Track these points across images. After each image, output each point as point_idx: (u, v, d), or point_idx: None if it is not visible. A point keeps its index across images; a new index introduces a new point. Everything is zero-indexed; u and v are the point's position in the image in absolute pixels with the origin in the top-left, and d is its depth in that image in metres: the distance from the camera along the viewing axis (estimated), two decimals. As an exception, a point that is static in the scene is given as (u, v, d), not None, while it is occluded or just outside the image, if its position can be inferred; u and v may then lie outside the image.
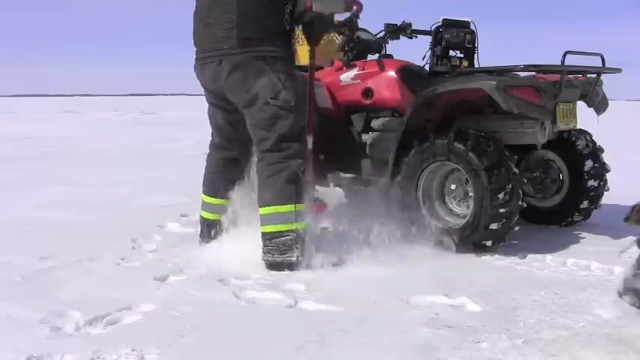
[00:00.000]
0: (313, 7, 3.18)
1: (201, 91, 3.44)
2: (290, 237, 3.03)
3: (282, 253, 3.02)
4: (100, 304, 2.51)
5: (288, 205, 3.05)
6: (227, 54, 3.09)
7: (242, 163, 3.51)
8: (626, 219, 2.43)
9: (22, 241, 3.57)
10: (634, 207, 2.41)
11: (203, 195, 3.51)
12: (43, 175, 6.41)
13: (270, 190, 3.07)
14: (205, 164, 3.53)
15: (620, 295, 2.41)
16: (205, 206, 3.51)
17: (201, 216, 3.54)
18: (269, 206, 3.07)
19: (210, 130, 3.52)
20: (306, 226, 3.11)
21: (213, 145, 3.51)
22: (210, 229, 3.48)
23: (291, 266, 3.01)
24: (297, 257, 3.02)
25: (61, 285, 2.78)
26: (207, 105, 3.46)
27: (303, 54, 3.70)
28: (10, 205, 4.70)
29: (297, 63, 3.52)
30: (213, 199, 3.47)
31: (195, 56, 3.29)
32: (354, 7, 3.60)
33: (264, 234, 3.07)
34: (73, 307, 2.47)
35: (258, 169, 3.16)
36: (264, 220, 3.08)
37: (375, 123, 3.81)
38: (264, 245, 3.07)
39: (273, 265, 3.04)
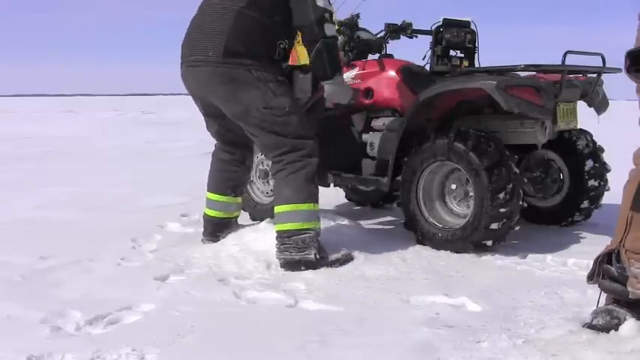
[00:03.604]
0: (325, 93, 3.33)
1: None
2: (309, 235, 3.03)
3: (300, 250, 3.02)
4: (100, 304, 2.51)
5: (307, 204, 3.06)
6: (212, 62, 3.06)
7: (247, 162, 3.52)
8: (590, 277, 2.28)
9: (22, 241, 3.57)
10: (596, 261, 2.26)
11: (208, 192, 3.51)
12: (43, 175, 6.41)
13: (290, 188, 3.07)
14: (211, 161, 3.53)
15: (590, 323, 2.22)
16: (210, 204, 3.50)
17: (205, 213, 3.53)
18: (288, 204, 3.06)
19: None
20: (320, 226, 3.11)
21: (216, 145, 3.51)
22: (213, 227, 3.48)
23: (308, 265, 3.00)
24: (315, 255, 3.02)
25: (61, 285, 2.78)
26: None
27: (302, 54, 3.69)
28: (10, 205, 4.70)
29: (297, 63, 3.52)
30: (218, 196, 3.47)
31: (180, 61, 3.25)
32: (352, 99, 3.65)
33: (281, 232, 3.06)
34: (73, 306, 2.47)
35: (275, 169, 3.15)
36: (283, 217, 3.08)
37: (376, 123, 3.80)
38: (281, 243, 3.05)
39: (290, 264, 3.02)
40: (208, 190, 3.51)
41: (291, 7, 3.11)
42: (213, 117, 3.35)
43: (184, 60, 3.22)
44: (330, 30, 3.13)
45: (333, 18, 3.23)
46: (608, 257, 2.23)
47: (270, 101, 3.06)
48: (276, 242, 3.08)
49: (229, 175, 3.46)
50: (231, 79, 3.06)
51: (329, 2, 3.17)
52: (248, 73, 3.05)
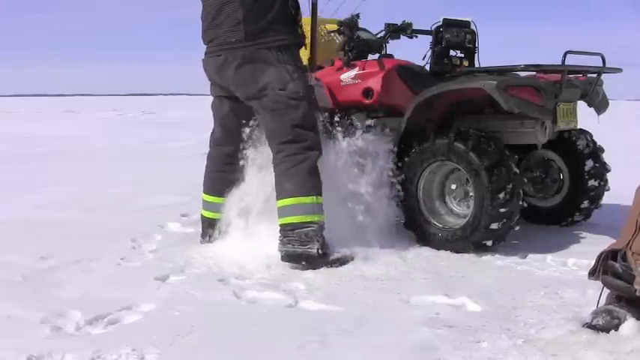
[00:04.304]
0: None
1: (202, 90, 3.47)
2: (312, 228, 3.04)
3: (303, 244, 3.02)
4: (100, 304, 2.51)
5: (310, 197, 3.07)
6: (234, 47, 3.13)
7: (241, 161, 3.52)
8: (591, 273, 2.27)
9: (22, 241, 3.57)
10: (599, 257, 2.25)
11: (204, 194, 3.52)
12: (43, 175, 6.42)
13: (292, 181, 3.08)
14: (206, 163, 3.53)
15: (590, 323, 2.21)
16: (206, 205, 3.51)
17: (202, 215, 3.55)
18: (291, 197, 3.07)
19: (212, 127, 3.53)
20: (324, 219, 3.12)
21: (213, 142, 3.52)
22: (211, 228, 3.49)
23: (309, 259, 3.01)
24: (318, 250, 3.02)
25: (61, 285, 2.79)
26: (210, 100, 3.49)
27: (302, 55, 3.69)
28: (10, 205, 4.71)
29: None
30: (214, 197, 3.48)
31: (204, 52, 3.33)
32: None
33: (284, 225, 3.07)
34: (73, 306, 2.48)
35: (276, 161, 3.17)
36: (285, 211, 3.08)
37: (376, 123, 3.80)
38: (284, 236, 3.06)
39: (291, 257, 3.02)
40: (204, 192, 3.52)
41: None
42: (227, 98, 3.36)
43: (209, 51, 3.29)
44: None
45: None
46: (612, 254, 2.22)
47: (287, 84, 3.11)
48: (278, 235, 3.08)
49: (224, 175, 3.46)
50: (252, 60, 3.11)
51: None
52: (269, 53, 3.11)
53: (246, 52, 3.11)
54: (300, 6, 3.27)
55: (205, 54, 3.33)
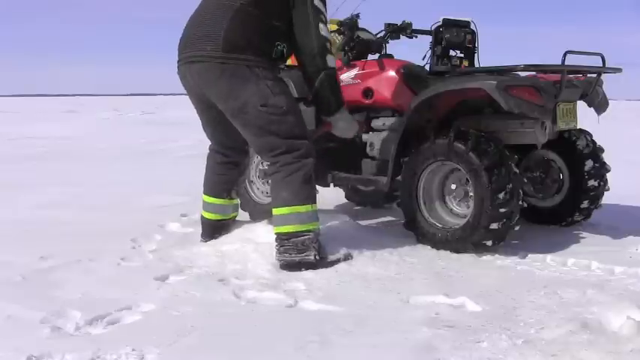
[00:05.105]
0: (334, 129, 3.33)
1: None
2: (308, 237, 3.04)
3: (300, 252, 3.02)
4: (100, 304, 2.51)
5: (306, 205, 3.06)
6: (210, 56, 3.06)
7: (241, 164, 3.53)
8: None
9: (22, 241, 3.57)
10: None
11: (204, 195, 3.52)
12: (43, 175, 6.41)
13: (288, 190, 3.07)
14: (206, 165, 3.54)
15: None
16: (206, 206, 3.52)
17: (202, 216, 3.55)
18: (287, 207, 3.06)
19: None
20: (319, 226, 3.12)
21: (211, 148, 3.52)
22: (211, 229, 3.50)
23: (308, 266, 3.01)
24: (315, 257, 3.02)
25: (61, 285, 2.78)
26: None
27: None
28: (10, 205, 4.70)
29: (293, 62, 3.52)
30: (214, 199, 3.49)
31: (177, 58, 3.25)
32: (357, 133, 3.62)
33: (280, 234, 3.07)
34: (73, 307, 2.48)
35: (272, 170, 3.15)
36: (282, 220, 3.08)
37: (376, 123, 3.81)
38: (280, 245, 3.06)
39: (290, 265, 3.02)
40: (204, 193, 3.52)
41: (294, 30, 3.09)
42: (209, 119, 3.35)
43: (182, 57, 3.21)
44: (331, 61, 3.12)
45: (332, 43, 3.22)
46: None
47: (268, 99, 3.05)
48: (275, 244, 3.08)
49: (224, 178, 3.47)
50: (230, 75, 3.05)
51: (327, 30, 3.14)
52: (247, 70, 3.04)
53: (223, 65, 3.03)
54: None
55: (179, 61, 3.22)
